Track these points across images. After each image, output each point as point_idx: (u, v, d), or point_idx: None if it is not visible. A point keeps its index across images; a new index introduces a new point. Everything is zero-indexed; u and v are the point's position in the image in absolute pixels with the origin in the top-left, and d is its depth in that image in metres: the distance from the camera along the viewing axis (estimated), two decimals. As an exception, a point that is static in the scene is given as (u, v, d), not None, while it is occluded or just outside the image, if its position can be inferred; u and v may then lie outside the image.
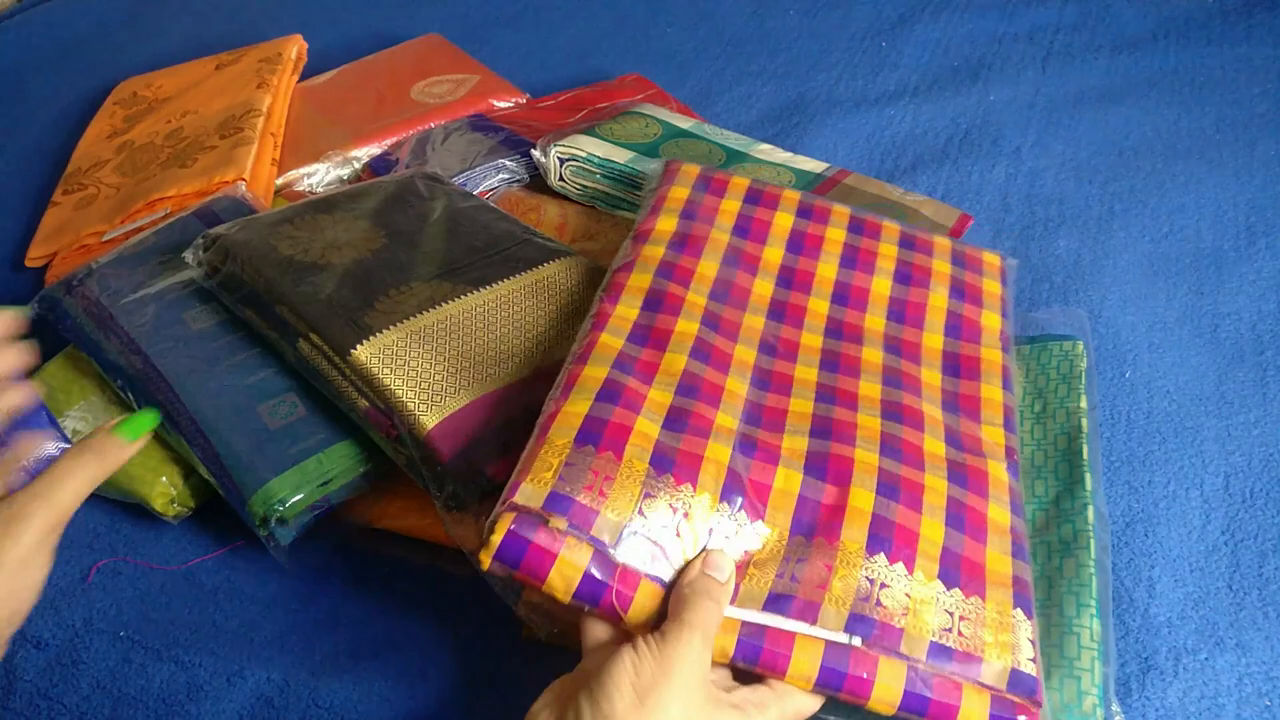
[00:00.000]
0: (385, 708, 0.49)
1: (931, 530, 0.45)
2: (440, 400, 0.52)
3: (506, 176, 0.78)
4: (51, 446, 0.42)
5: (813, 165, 0.76)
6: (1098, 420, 0.57)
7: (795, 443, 0.48)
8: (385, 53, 1.00)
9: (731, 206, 0.61)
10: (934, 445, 0.49)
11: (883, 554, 0.43)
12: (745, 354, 0.52)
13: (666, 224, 0.59)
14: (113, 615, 0.54)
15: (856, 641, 0.41)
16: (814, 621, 0.41)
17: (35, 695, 0.51)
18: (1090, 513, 0.51)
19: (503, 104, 0.90)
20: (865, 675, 0.40)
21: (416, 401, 0.52)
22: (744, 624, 0.41)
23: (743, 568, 0.43)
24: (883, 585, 0.42)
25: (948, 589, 0.43)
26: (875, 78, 0.96)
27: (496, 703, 0.49)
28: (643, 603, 0.41)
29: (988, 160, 0.83)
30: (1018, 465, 0.50)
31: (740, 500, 0.44)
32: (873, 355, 0.54)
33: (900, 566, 0.43)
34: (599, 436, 0.44)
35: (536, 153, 0.75)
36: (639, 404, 0.46)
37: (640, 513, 0.42)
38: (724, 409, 0.48)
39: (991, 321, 0.57)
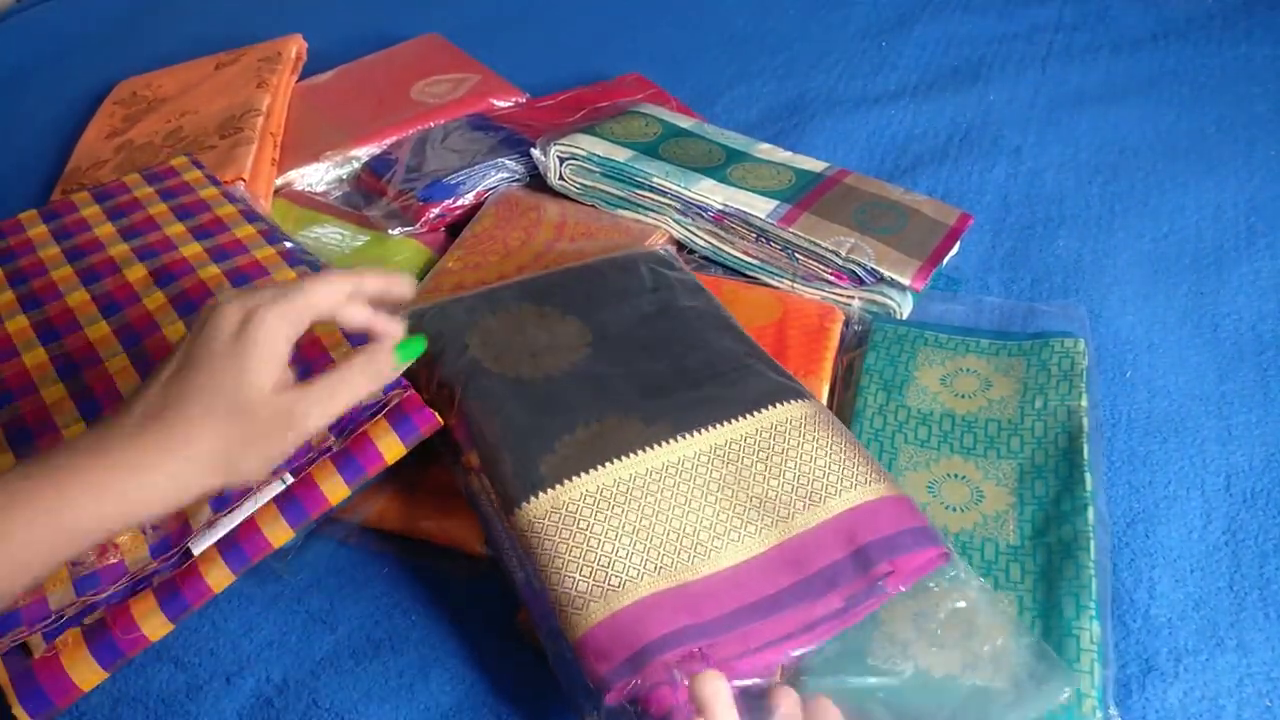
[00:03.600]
0: (385, 708, 0.49)
1: None
2: (611, 590, 0.42)
3: (506, 175, 0.78)
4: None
5: (813, 165, 0.76)
6: (1099, 419, 0.57)
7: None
8: (385, 52, 1.00)
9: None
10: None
11: None
12: (36, 358, 0.54)
13: None
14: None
15: (289, 478, 0.47)
16: (254, 490, 0.47)
17: (34, 695, 0.51)
18: (1090, 513, 0.51)
19: (502, 103, 0.90)
20: (314, 492, 0.47)
21: (575, 589, 0.42)
22: (218, 544, 0.47)
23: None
24: None
25: None
26: (875, 78, 0.96)
27: (497, 704, 0.49)
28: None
29: (988, 160, 0.83)
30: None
31: None
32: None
33: None
34: None
35: (536, 152, 0.75)
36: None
37: None
38: (64, 426, 0.50)
39: (243, 229, 0.62)
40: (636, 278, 0.59)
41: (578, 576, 0.42)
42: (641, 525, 0.44)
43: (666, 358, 0.52)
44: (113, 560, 0.45)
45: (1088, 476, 0.52)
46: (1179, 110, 0.88)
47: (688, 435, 0.48)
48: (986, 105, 0.90)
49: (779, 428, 0.49)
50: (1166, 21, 1.01)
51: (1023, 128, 0.87)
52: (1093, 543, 0.49)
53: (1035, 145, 0.85)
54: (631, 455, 0.47)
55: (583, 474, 0.45)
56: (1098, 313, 0.67)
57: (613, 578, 0.42)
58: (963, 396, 0.59)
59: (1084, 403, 0.57)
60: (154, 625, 0.46)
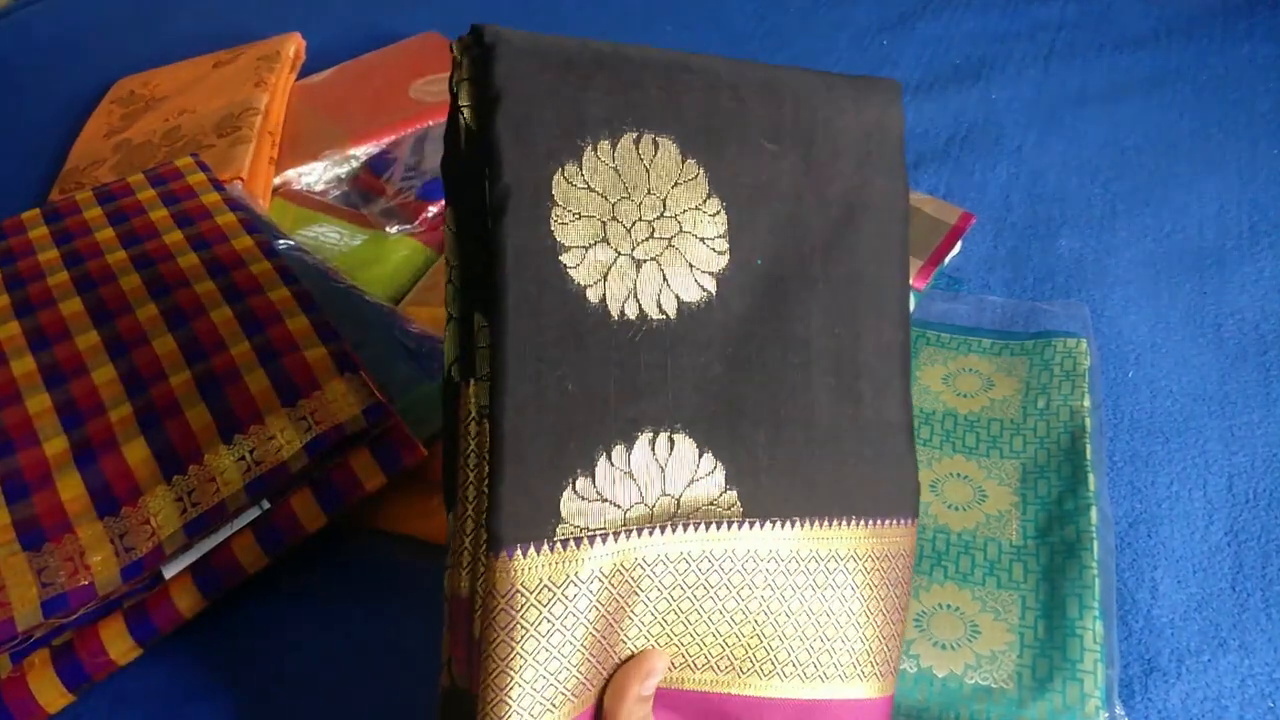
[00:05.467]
0: (387, 708, 0.48)
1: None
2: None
3: (506, 175, 0.78)
4: None
5: (813, 164, 0.75)
6: (1101, 419, 0.57)
7: (121, 410, 0.51)
8: (383, 51, 1.00)
9: None
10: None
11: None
12: (24, 366, 0.53)
13: None
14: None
15: (266, 504, 0.49)
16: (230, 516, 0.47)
17: (30, 696, 0.50)
18: (1093, 514, 0.50)
19: (502, 102, 0.89)
20: (292, 519, 0.49)
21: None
22: (190, 568, 0.47)
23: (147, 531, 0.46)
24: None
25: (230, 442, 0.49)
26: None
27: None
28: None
29: (989, 159, 0.83)
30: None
31: (118, 506, 0.47)
32: (147, 311, 0.56)
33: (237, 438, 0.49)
34: None
35: (536, 151, 0.74)
36: None
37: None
38: (45, 439, 0.50)
39: (241, 240, 0.61)
40: (848, 139, 0.34)
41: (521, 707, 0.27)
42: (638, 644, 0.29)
43: (815, 346, 0.31)
44: (83, 582, 0.44)
45: (1091, 476, 0.52)
46: (1182, 109, 0.87)
47: (781, 524, 0.29)
48: (988, 104, 0.90)
49: (840, 559, 0.30)
50: (1169, 20, 1.00)
51: (1025, 126, 0.87)
52: (1096, 543, 0.49)
53: (1037, 144, 0.85)
54: (702, 528, 0.29)
55: (607, 539, 0.28)
56: (1100, 312, 0.67)
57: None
58: (965, 396, 0.59)
59: (1086, 402, 0.56)
60: (122, 649, 0.46)
